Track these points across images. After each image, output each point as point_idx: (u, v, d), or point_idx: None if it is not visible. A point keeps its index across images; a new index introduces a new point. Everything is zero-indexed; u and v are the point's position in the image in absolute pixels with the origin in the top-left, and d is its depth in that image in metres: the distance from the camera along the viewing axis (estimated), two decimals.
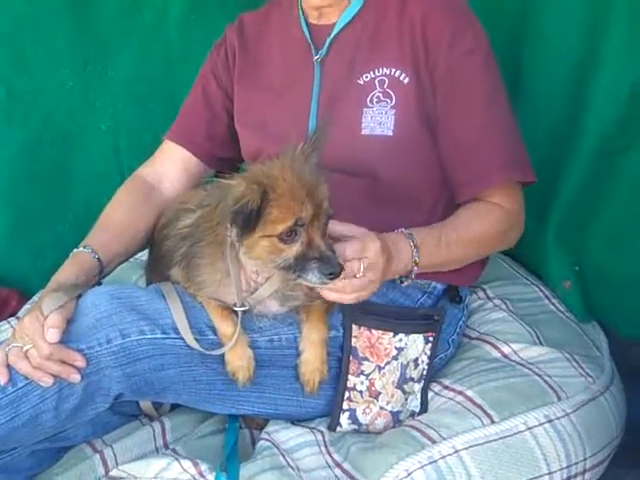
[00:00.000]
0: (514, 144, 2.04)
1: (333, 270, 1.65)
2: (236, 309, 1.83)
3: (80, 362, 1.77)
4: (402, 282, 1.94)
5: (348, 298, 1.78)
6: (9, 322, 2.43)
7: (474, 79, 2.01)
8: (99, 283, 2.02)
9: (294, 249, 1.67)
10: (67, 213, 2.89)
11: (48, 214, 2.88)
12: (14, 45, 2.72)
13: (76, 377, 1.77)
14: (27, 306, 2.51)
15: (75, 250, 2.02)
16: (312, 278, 1.67)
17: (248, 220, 1.63)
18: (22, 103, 2.78)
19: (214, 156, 2.30)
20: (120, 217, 2.15)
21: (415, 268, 1.90)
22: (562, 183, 2.36)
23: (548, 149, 2.31)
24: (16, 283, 2.84)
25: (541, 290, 2.40)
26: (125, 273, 2.50)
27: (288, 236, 1.66)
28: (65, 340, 1.77)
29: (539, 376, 2.01)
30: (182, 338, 1.82)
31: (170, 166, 2.29)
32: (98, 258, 2.00)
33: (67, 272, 1.95)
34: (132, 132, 2.88)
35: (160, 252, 2.04)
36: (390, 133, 2.00)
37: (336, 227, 1.76)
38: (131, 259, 2.57)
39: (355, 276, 1.73)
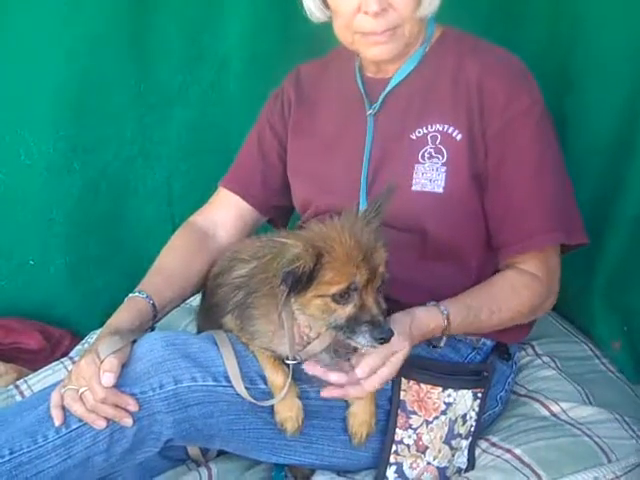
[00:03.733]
0: (563, 207, 2.03)
1: (384, 335, 1.68)
2: (288, 362, 1.85)
3: (133, 406, 1.79)
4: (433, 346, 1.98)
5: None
6: (62, 362, 2.48)
7: (526, 141, 2.00)
8: (152, 328, 2.05)
9: (347, 310, 1.70)
10: (119, 259, 2.93)
11: (102, 259, 2.93)
12: (75, 95, 2.76)
13: (128, 421, 1.79)
14: (79, 347, 2.56)
15: (130, 295, 2.04)
16: (362, 341, 1.70)
17: (298, 282, 1.67)
18: (81, 152, 2.83)
19: (268, 204, 2.33)
20: (174, 263, 2.17)
21: (439, 349, 1.97)
22: (608, 242, 2.36)
23: (593, 207, 2.30)
24: (69, 324, 2.88)
25: (590, 349, 2.39)
26: (175, 318, 2.53)
27: (341, 297, 1.69)
28: (119, 384, 1.79)
29: (589, 437, 1.99)
30: (233, 386, 1.84)
31: (224, 214, 2.32)
32: (153, 303, 2.03)
33: (122, 316, 1.97)
34: (186, 182, 2.93)
35: (213, 300, 2.06)
36: (440, 190, 2.01)
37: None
38: (181, 304, 2.66)
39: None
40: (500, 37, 2.31)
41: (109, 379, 1.77)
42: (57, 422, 1.81)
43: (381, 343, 1.68)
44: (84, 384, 1.80)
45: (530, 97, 2.02)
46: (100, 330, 1.96)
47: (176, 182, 2.95)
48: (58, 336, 2.79)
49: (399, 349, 1.81)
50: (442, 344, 1.95)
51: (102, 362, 1.79)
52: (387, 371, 1.81)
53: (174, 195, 2.95)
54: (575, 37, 2.42)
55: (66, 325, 2.87)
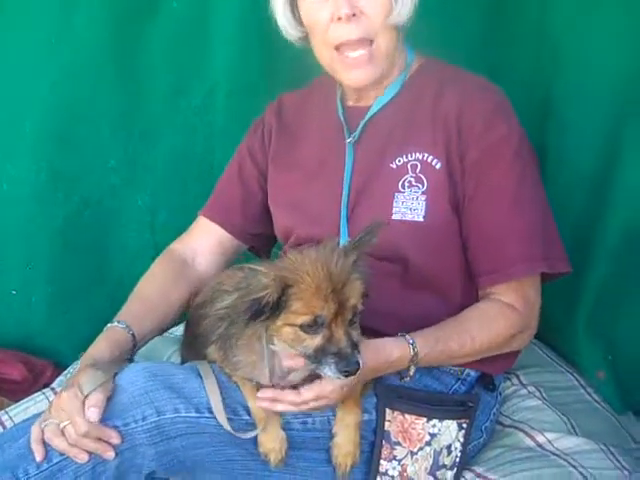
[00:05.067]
0: (544, 235, 2.01)
1: (349, 368, 1.67)
2: None
3: (115, 439, 1.77)
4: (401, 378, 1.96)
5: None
6: (44, 393, 2.45)
7: (503, 169, 2.00)
8: (131, 359, 2.02)
9: (315, 341, 1.70)
10: (102, 288, 2.91)
11: (84, 288, 2.92)
12: (59, 125, 2.79)
13: (111, 454, 1.77)
14: (61, 377, 2.53)
15: (109, 325, 2.03)
16: (328, 372, 1.69)
17: (261, 311, 1.69)
18: (64, 181, 2.84)
19: (248, 233, 2.33)
20: (154, 292, 2.16)
21: (407, 379, 1.94)
22: (591, 272, 2.36)
23: (575, 237, 2.30)
24: (51, 355, 2.86)
25: (576, 378, 2.38)
26: (159, 348, 2.52)
27: (309, 327, 1.70)
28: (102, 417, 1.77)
29: (574, 467, 1.98)
30: (216, 418, 1.82)
31: (204, 242, 2.31)
32: (132, 333, 2.01)
33: (101, 347, 1.95)
34: (169, 211, 2.93)
35: (197, 331, 2.05)
36: (421, 219, 2.00)
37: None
38: (165, 334, 2.56)
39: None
40: (482, 69, 2.31)
41: (94, 414, 1.75)
42: (38, 457, 1.78)
43: (346, 375, 1.68)
44: (65, 418, 1.78)
45: (508, 125, 2.03)
46: (79, 361, 1.93)
47: (159, 211, 2.94)
48: (40, 367, 2.77)
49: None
50: (411, 374, 1.92)
51: (87, 397, 1.77)
52: (332, 399, 1.82)
53: (157, 224, 2.94)
54: (556, 69, 2.44)
55: (48, 356, 2.85)
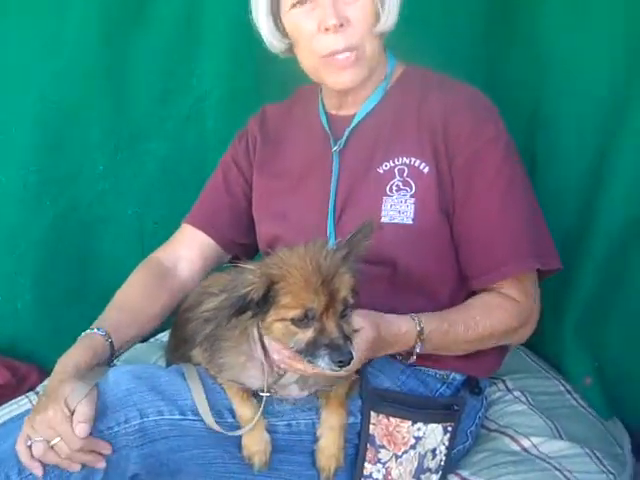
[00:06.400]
0: (534, 233, 2.02)
1: (343, 358, 1.67)
2: (262, 394, 1.84)
3: (107, 450, 1.77)
4: (401, 360, 1.96)
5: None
6: (27, 396, 2.44)
7: (492, 170, 2.01)
8: (110, 367, 1.98)
9: (307, 334, 1.70)
10: (88, 294, 2.88)
11: (70, 295, 2.90)
12: (48, 130, 2.78)
13: (102, 465, 1.77)
14: (46, 382, 2.50)
15: (87, 331, 1.99)
16: (322, 364, 1.69)
17: (245, 309, 1.70)
18: (52, 185, 2.82)
19: (232, 241, 2.32)
20: (134, 300, 2.14)
21: (413, 357, 1.94)
22: (579, 278, 2.36)
23: (564, 243, 2.27)
24: (36, 359, 2.83)
25: (562, 384, 2.38)
26: (145, 353, 2.53)
27: (300, 321, 1.69)
28: None
29: (559, 471, 1.98)
30: (200, 420, 1.81)
31: (188, 250, 2.30)
32: (111, 342, 1.97)
33: (77, 355, 1.91)
34: (157, 217, 2.92)
35: (182, 334, 2.05)
36: (410, 221, 2.01)
37: None
38: (151, 339, 2.63)
39: None
40: (470, 76, 2.32)
41: (83, 430, 1.72)
42: (39, 473, 1.76)
43: (340, 366, 1.67)
44: (55, 435, 1.74)
45: (495, 128, 2.04)
46: (55, 372, 1.89)
47: (148, 217, 2.93)
48: (24, 371, 2.76)
49: (356, 327, 1.77)
50: (414, 356, 1.93)
51: (74, 412, 1.74)
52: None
53: (145, 230, 2.92)
54: (545, 74, 2.45)
55: (33, 360, 2.83)
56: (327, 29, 1.98)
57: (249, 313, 1.72)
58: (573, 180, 2.41)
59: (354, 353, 1.68)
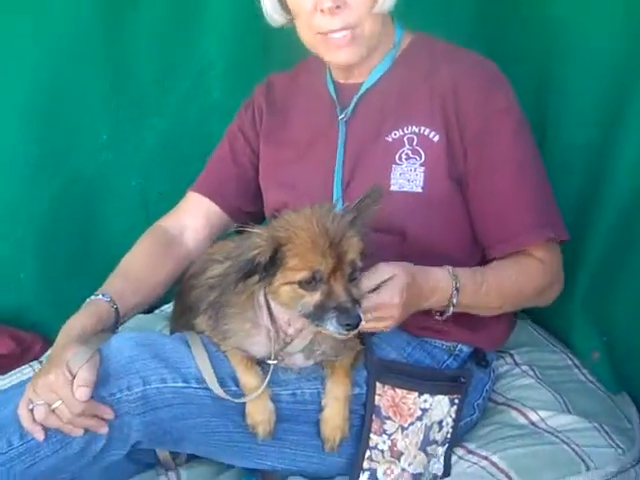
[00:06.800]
0: (547, 203, 2.04)
1: (351, 322, 1.66)
2: (269, 362, 1.83)
3: (109, 415, 1.76)
4: (434, 316, 1.95)
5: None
6: (31, 365, 2.45)
7: (506, 139, 2.00)
8: (115, 333, 1.98)
9: (314, 297, 1.68)
10: (92, 265, 2.83)
11: (74, 265, 2.88)
12: (47, 99, 2.74)
13: (105, 430, 1.77)
14: (50, 352, 2.49)
15: (92, 298, 1.99)
16: (330, 327, 1.67)
17: (253, 272, 1.68)
18: (52, 156, 2.79)
19: (239, 209, 2.30)
20: (139, 267, 2.13)
21: (450, 309, 1.91)
22: (587, 250, 2.33)
23: (573, 213, 2.28)
24: (40, 329, 2.82)
25: (570, 358, 2.35)
26: (149, 324, 2.52)
27: (308, 284, 1.68)
28: None
29: (567, 444, 1.96)
30: (204, 387, 1.80)
31: (194, 218, 2.29)
32: (116, 308, 1.97)
33: (82, 322, 1.91)
34: (162, 188, 2.89)
35: (187, 302, 2.04)
36: (419, 190, 2.00)
37: (363, 283, 1.77)
38: (156, 311, 2.64)
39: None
40: (479, 41, 2.32)
41: (84, 394, 1.72)
42: (40, 437, 1.76)
43: (348, 330, 1.66)
44: (56, 399, 1.74)
45: (506, 97, 2.03)
46: (59, 336, 1.89)
47: (152, 188, 2.90)
48: (29, 341, 2.75)
49: (389, 274, 1.78)
50: (454, 302, 1.90)
51: (75, 376, 1.73)
52: (386, 295, 1.78)
53: (149, 201, 2.89)
54: (553, 39, 2.40)
55: (37, 330, 2.82)
56: (323, 10, 1.95)
57: (256, 277, 1.70)
58: (583, 147, 2.37)
59: (362, 316, 1.66)
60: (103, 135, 2.83)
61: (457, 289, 1.89)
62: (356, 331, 1.68)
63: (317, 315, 1.68)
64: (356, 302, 1.68)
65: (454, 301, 1.90)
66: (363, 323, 1.67)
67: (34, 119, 2.76)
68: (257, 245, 1.68)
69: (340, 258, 1.68)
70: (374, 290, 1.78)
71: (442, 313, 1.95)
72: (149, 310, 2.60)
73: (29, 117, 2.75)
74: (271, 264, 1.68)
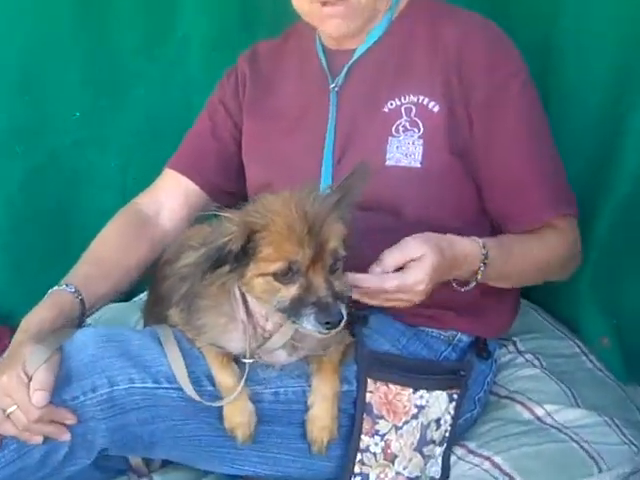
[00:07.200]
0: (561, 176, 1.95)
1: (331, 319, 1.53)
2: (244, 361, 1.71)
3: (71, 420, 1.65)
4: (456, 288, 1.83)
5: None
6: None
7: (514, 107, 1.89)
8: (81, 327, 1.85)
9: (291, 291, 1.56)
10: (68, 253, 2.67)
11: (48, 253, 2.76)
12: (19, 71, 2.63)
13: (66, 437, 1.66)
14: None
15: (55, 288, 1.87)
16: (307, 325, 1.55)
17: (223, 262, 1.55)
18: (25, 134, 2.68)
19: (219, 188, 2.18)
20: (109, 251, 2.02)
21: (473, 283, 1.80)
22: (596, 229, 2.24)
23: (580, 192, 2.15)
24: (12, 321, 2.65)
25: (577, 345, 2.25)
26: (124, 314, 2.41)
27: (284, 276, 1.55)
28: None
29: (577, 442, 1.86)
30: (175, 388, 1.68)
31: (171, 197, 2.17)
32: (81, 299, 1.85)
33: (41, 316, 1.79)
34: (142, 169, 2.72)
35: (159, 292, 1.91)
36: (418, 165, 1.88)
37: (386, 259, 1.65)
38: (135, 299, 2.53)
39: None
40: (480, 6, 2.16)
41: (42, 398, 1.60)
42: None
43: (327, 328, 1.53)
44: (10, 403, 1.62)
45: (513, 60, 1.93)
46: (17, 332, 1.78)
47: (131, 169, 2.77)
48: None
49: (417, 254, 1.65)
50: (472, 285, 1.80)
51: (31, 378, 1.61)
52: (411, 278, 1.65)
53: (129, 183, 2.75)
54: (557, 12, 2.29)
55: (7, 322, 2.67)
56: None
57: (227, 267, 1.56)
58: (591, 115, 2.26)
59: (344, 313, 1.53)
60: (77, 112, 2.71)
61: (485, 263, 1.77)
62: (337, 330, 1.54)
63: (294, 311, 1.55)
64: (338, 297, 1.54)
65: (479, 275, 1.79)
66: (344, 321, 1.54)
67: (5, 92, 2.64)
68: (228, 231, 1.54)
69: (320, 247, 1.54)
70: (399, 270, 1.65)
71: (463, 284, 1.82)
72: (125, 298, 2.49)
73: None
74: (243, 253, 1.55)
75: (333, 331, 1.54)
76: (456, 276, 1.79)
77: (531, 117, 1.92)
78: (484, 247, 1.77)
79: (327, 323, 1.52)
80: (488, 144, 1.88)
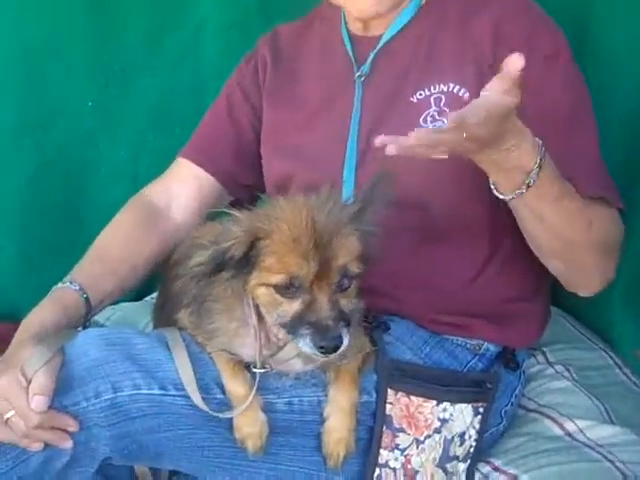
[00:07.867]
0: (603, 164, 1.80)
1: (326, 344, 1.44)
2: (255, 370, 1.62)
3: (73, 427, 1.57)
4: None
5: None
6: None
7: (554, 92, 1.76)
8: (85, 328, 1.78)
9: (293, 306, 1.47)
10: (79, 246, 2.66)
11: (59, 246, 2.71)
12: (29, 61, 2.59)
13: (68, 444, 1.58)
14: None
15: (59, 285, 1.79)
16: (303, 345, 1.47)
17: (222, 266, 1.48)
18: (35, 125, 2.63)
19: (234, 179, 2.10)
20: (117, 246, 1.94)
21: (520, 190, 1.55)
22: (631, 233, 2.06)
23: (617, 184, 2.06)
24: (21, 317, 2.64)
25: (610, 356, 2.16)
26: (134, 315, 2.35)
27: (286, 290, 1.47)
28: None
29: (611, 462, 1.74)
30: (183, 395, 1.60)
31: (183, 187, 2.08)
32: (86, 297, 1.78)
33: (44, 315, 1.72)
34: (154, 160, 2.67)
35: (168, 293, 1.84)
36: (446, 156, 1.75)
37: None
38: (147, 298, 2.47)
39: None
40: None
41: (41, 404, 1.53)
42: None
43: (322, 353, 1.44)
44: (8, 408, 1.55)
45: (555, 38, 1.81)
46: (17, 332, 1.71)
47: (143, 160, 2.71)
48: (4, 330, 2.52)
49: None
50: (523, 188, 1.54)
51: (30, 382, 1.54)
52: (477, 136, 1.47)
53: (140, 175, 2.67)
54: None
55: (18, 318, 2.61)
56: None
57: (227, 273, 1.49)
58: (632, 108, 2.18)
59: (345, 339, 1.44)
60: (87, 102, 2.66)
61: (540, 167, 1.52)
62: (334, 356, 1.46)
63: (293, 328, 1.47)
64: (341, 319, 1.45)
65: (533, 174, 1.52)
66: (343, 347, 1.45)
67: (11, 82, 2.60)
68: (233, 236, 1.46)
69: (327, 263, 1.44)
70: None
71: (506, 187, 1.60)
72: (136, 297, 2.45)
73: (8, 80, 2.60)
74: (246, 260, 1.47)
75: (328, 356, 1.46)
76: (504, 167, 1.55)
77: (572, 101, 1.79)
78: (543, 152, 1.53)
79: (321, 347, 1.44)
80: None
